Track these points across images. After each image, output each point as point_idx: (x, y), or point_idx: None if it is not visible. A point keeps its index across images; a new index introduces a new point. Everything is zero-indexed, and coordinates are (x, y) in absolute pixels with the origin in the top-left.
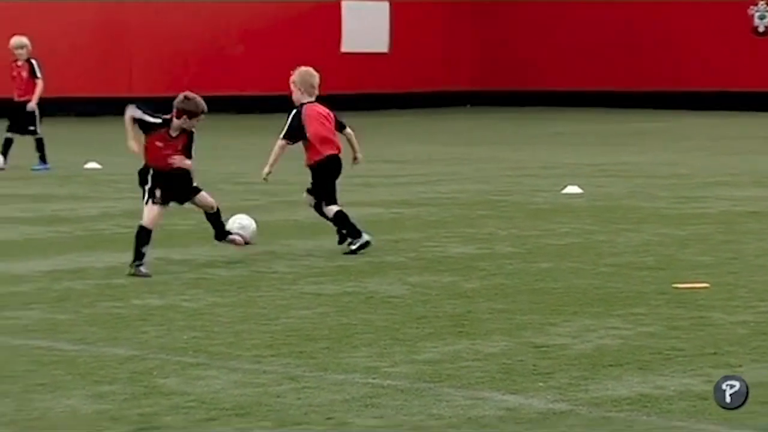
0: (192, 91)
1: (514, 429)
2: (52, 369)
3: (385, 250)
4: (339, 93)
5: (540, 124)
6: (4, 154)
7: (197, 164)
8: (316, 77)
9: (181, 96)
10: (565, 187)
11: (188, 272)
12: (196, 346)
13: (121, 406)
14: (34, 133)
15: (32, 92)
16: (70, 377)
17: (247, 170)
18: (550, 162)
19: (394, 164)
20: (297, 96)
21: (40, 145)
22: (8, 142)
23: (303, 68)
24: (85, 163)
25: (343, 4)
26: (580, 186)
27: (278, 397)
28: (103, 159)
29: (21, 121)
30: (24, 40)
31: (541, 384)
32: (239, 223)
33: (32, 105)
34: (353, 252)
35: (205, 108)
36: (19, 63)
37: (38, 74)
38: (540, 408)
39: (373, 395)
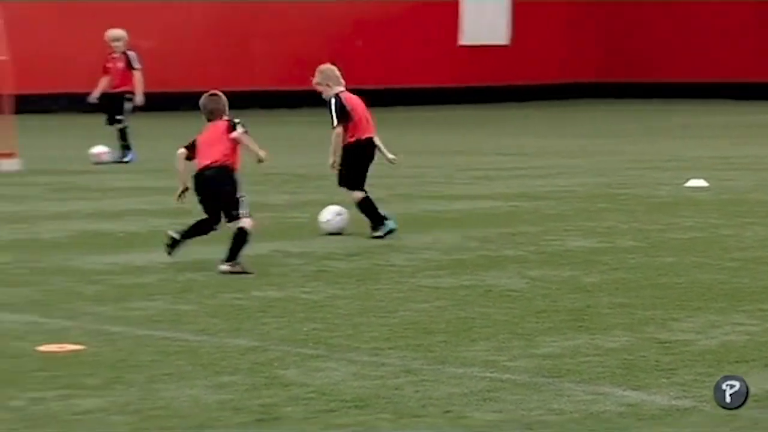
0: (311, 85)
1: (636, 425)
2: (176, 359)
3: (503, 244)
4: (456, 86)
5: (663, 116)
6: (128, 147)
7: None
8: (335, 69)
9: (213, 97)
10: (689, 180)
11: (307, 264)
12: (316, 338)
13: (242, 397)
14: (120, 122)
15: (127, 83)
16: (192, 367)
17: None
18: (674, 154)
19: (513, 157)
20: (327, 91)
21: (122, 135)
22: (124, 133)
23: (321, 66)
24: None
25: None
26: (705, 179)
27: (396, 389)
28: None
29: (113, 111)
30: (121, 32)
31: (663, 380)
32: (334, 211)
33: (140, 99)
34: (380, 237)
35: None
36: (115, 55)
37: (135, 66)
38: (663, 404)
39: (492, 389)
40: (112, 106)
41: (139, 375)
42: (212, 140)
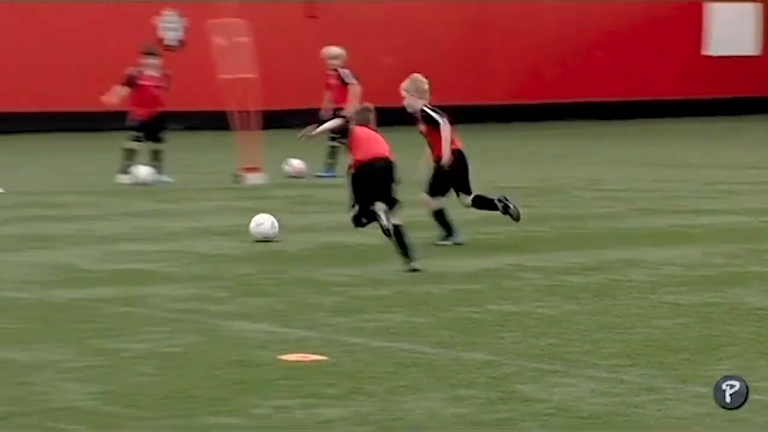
0: (549, 98)
1: None
2: (413, 371)
3: (749, 260)
4: (700, 97)
5: None
6: (332, 165)
7: None
8: (426, 83)
9: (367, 108)
10: None
11: (542, 279)
12: (552, 353)
13: (479, 411)
14: (333, 139)
15: (342, 100)
16: (429, 380)
17: (603, 177)
18: None
19: (761, 171)
20: (410, 101)
21: (331, 152)
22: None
23: (414, 75)
24: None
25: (709, 6)
26: None
27: (636, 407)
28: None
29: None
30: (337, 50)
31: None
32: (268, 223)
33: (347, 111)
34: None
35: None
36: (331, 72)
37: (348, 81)
38: None
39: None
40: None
41: (377, 386)
42: (376, 138)
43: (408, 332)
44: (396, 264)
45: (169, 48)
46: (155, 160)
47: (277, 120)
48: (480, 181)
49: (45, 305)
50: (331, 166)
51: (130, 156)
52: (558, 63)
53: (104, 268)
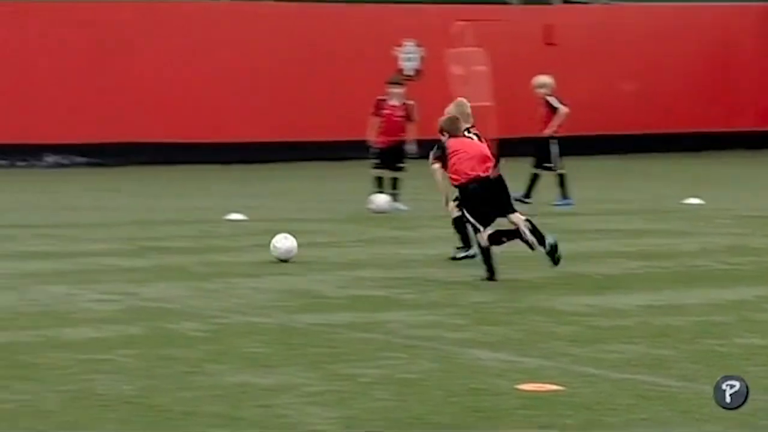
0: None
1: None
2: (655, 404)
3: None
4: None
5: None
6: (529, 189)
7: None
8: (468, 106)
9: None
10: None
11: None
12: None
13: None
14: (550, 169)
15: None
16: (672, 414)
17: None
18: None
19: None
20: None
21: (560, 181)
22: (535, 178)
23: (458, 99)
24: (684, 198)
25: None
26: None
27: None
28: (705, 194)
29: (541, 156)
30: (544, 79)
31: None
32: (285, 245)
33: (548, 132)
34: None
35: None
36: (540, 101)
37: (555, 106)
38: None
39: None
40: (541, 150)
41: (616, 418)
42: (477, 153)
43: (649, 364)
44: (634, 295)
45: (407, 78)
46: (393, 187)
47: (512, 148)
48: (720, 209)
49: (285, 330)
50: (564, 195)
51: (379, 183)
52: None
53: (342, 294)
